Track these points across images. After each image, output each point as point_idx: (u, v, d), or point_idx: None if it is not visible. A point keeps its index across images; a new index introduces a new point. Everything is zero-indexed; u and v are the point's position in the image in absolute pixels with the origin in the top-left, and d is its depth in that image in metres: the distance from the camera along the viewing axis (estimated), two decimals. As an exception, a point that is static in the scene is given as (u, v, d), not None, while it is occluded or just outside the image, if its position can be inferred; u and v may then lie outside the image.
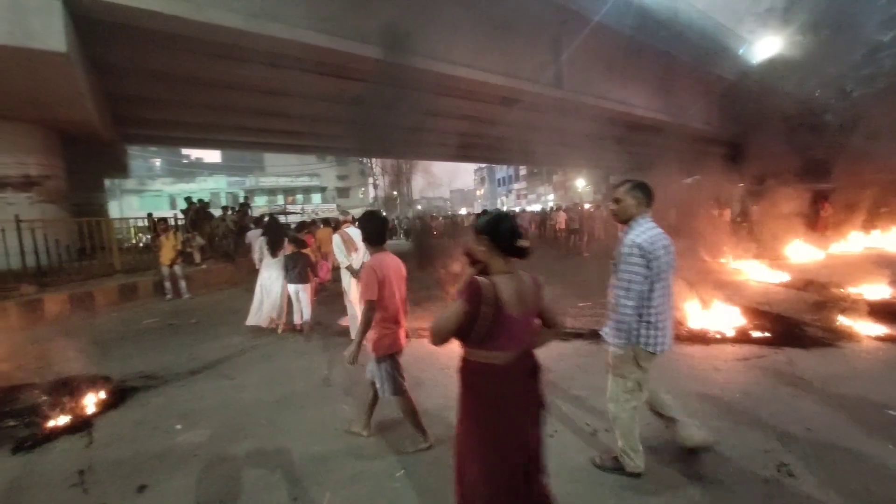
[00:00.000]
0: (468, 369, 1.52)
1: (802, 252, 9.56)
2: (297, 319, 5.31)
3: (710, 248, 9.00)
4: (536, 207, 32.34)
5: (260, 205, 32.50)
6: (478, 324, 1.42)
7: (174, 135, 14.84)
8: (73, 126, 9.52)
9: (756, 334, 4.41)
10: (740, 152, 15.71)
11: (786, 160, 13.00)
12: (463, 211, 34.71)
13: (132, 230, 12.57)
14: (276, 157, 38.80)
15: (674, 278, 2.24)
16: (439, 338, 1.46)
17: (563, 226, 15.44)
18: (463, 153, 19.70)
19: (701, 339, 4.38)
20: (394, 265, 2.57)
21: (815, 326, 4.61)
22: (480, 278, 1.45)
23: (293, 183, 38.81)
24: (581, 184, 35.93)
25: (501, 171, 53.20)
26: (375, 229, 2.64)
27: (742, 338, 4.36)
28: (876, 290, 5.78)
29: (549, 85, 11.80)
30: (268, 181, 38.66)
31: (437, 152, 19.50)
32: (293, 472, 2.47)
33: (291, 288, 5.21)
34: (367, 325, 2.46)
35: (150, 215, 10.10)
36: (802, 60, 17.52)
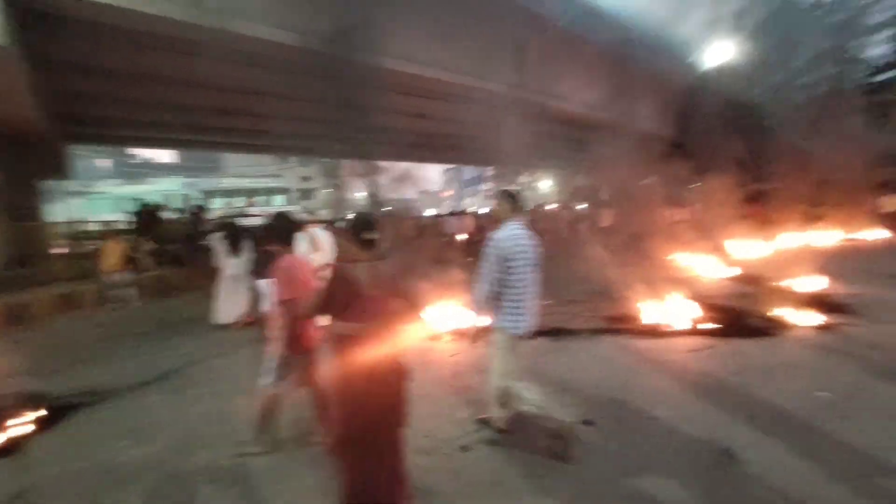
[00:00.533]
0: (332, 338, 1.86)
1: (747, 248, 10.18)
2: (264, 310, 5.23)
3: (663, 245, 9.42)
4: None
5: (218, 207, 31.19)
6: (336, 301, 1.82)
7: (123, 133, 13.96)
8: (9, 124, 8.79)
9: (705, 326, 4.67)
10: (693, 154, 16.56)
11: (733, 162, 13.80)
12: (431, 212, 34.68)
13: (77, 235, 11.74)
14: (237, 157, 37.42)
15: (535, 273, 2.67)
16: (308, 312, 1.95)
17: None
18: (426, 154, 19.73)
19: (654, 332, 4.59)
20: (307, 265, 2.65)
21: (757, 317, 4.93)
22: (339, 265, 1.88)
23: (254, 184, 37.52)
24: (546, 185, 36.75)
25: (469, 172, 53.62)
26: (284, 230, 2.72)
27: (693, 330, 4.60)
28: (809, 283, 6.24)
29: (511, 84, 12.01)
30: (227, 182, 37.20)
31: (402, 153, 19.40)
32: (249, 484, 2.38)
33: (260, 283, 5.11)
34: (284, 325, 2.50)
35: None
36: (748, 68, 18.73)
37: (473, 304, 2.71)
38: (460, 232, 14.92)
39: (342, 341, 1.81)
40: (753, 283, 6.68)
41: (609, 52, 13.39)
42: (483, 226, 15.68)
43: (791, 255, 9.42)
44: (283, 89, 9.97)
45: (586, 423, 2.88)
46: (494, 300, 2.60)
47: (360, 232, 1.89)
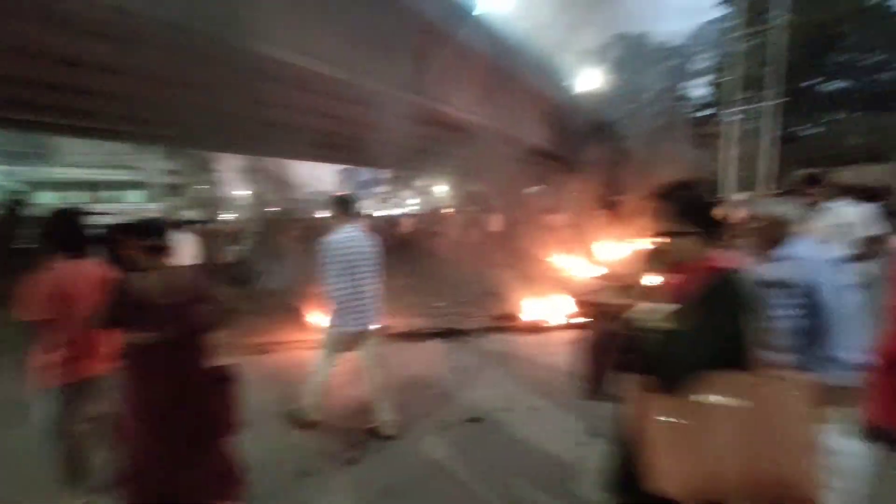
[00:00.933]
0: (122, 349, 1.75)
1: (611, 250, 11.69)
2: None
3: (543, 247, 10.32)
4: (400, 211, 33.08)
5: (49, 202, 25.45)
6: (117, 312, 1.73)
7: None
8: None
9: (577, 321, 5.14)
10: (567, 166, 18.51)
11: (599, 174, 15.78)
12: (323, 213, 33.03)
13: None
14: (78, 144, 30.95)
15: (376, 274, 2.84)
16: (99, 325, 1.77)
17: (409, 230, 15.99)
18: (320, 153, 18.70)
19: (535, 328, 4.93)
20: (89, 276, 2.07)
21: (619, 309, 5.59)
22: (125, 276, 1.80)
23: (100, 176, 31.48)
24: (442, 189, 37.79)
25: (365, 174, 52.52)
26: (66, 233, 2.15)
27: (567, 325, 5.03)
28: (655, 278, 7.34)
29: (409, 90, 12.00)
30: (62, 173, 30.57)
31: (294, 150, 18.10)
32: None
33: None
34: (48, 348, 2.02)
35: None
36: (609, 95, 21.73)
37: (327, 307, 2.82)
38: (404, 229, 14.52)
39: (137, 353, 1.71)
40: (615, 280, 7.63)
41: (497, 67, 14.26)
42: (378, 228, 15.41)
43: (642, 255, 11.04)
44: (133, 66, 8.43)
45: (473, 420, 2.95)
46: (328, 301, 2.78)
47: (145, 237, 1.77)
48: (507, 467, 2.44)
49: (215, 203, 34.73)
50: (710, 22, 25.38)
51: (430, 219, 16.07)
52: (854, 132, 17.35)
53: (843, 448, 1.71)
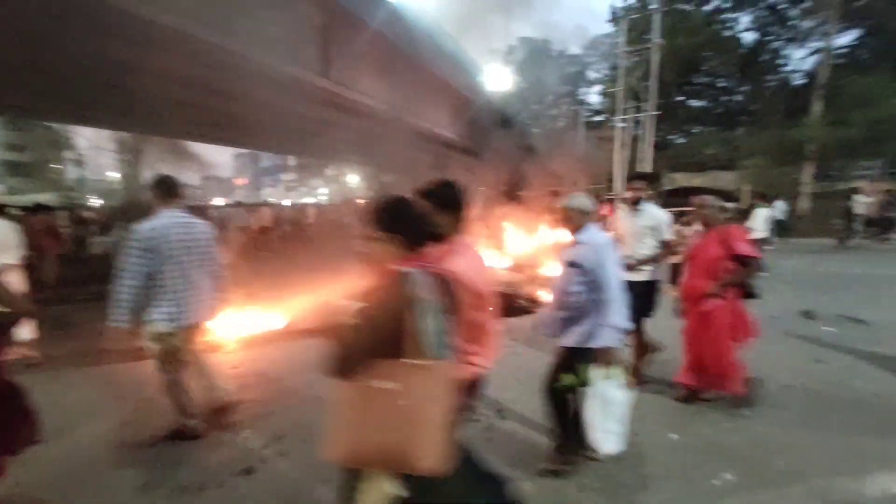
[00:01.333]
0: None
1: (517, 243, 12.33)
2: None
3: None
4: (310, 200, 31.23)
5: None
6: None
7: None
8: None
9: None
10: (479, 161, 19.07)
11: (507, 170, 16.52)
12: (219, 201, 29.60)
13: None
14: None
15: (206, 262, 2.60)
16: None
17: (311, 221, 15.29)
18: (215, 135, 16.74)
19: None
20: None
21: (523, 299, 5.88)
22: None
23: None
24: (354, 179, 36.48)
25: (268, 159, 48.59)
26: None
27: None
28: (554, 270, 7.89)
29: (310, 70, 11.20)
30: None
31: (167, 127, 15.90)
32: None
33: None
34: None
35: None
36: (517, 96, 22.80)
37: (115, 305, 2.35)
38: (254, 225, 13.33)
39: None
40: (520, 271, 8.03)
41: (408, 56, 14.03)
42: (282, 218, 14.30)
43: (546, 248, 11.83)
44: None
45: None
46: (143, 295, 2.40)
47: None
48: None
49: (77, 186, 29.22)
50: (605, 36, 27.95)
51: (339, 209, 15.36)
52: (710, 143, 20.54)
53: (616, 398, 2.10)
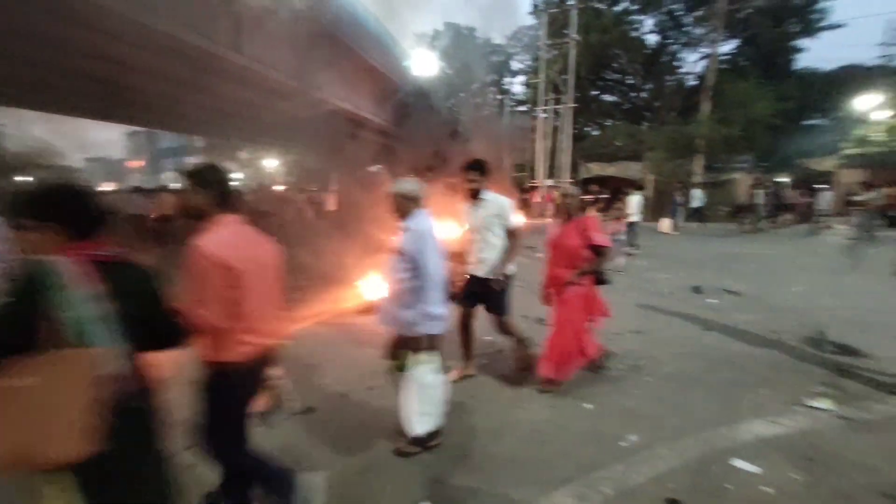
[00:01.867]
0: None
1: (448, 229, 12.48)
2: None
3: (384, 227, 10.29)
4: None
5: None
6: None
7: None
8: None
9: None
10: (406, 146, 18.83)
11: (435, 156, 16.52)
12: (108, 186, 25.81)
13: None
14: None
15: None
16: None
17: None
18: (105, 110, 14.51)
19: (374, 309, 4.80)
20: None
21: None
22: None
23: None
24: (272, 164, 34.03)
25: (168, 140, 43.47)
26: None
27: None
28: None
29: (220, 44, 10.14)
30: None
31: (43, 100, 13.59)
32: None
33: None
34: None
35: None
36: (444, 82, 22.75)
37: None
38: (151, 212, 11.83)
39: None
40: (453, 259, 8.12)
41: (333, 36, 13.32)
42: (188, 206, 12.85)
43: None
44: None
45: (308, 410, 2.79)
46: None
47: None
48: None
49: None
50: (528, 28, 28.77)
51: (256, 196, 14.30)
52: (619, 136, 22.33)
53: (432, 382, 2.23)
